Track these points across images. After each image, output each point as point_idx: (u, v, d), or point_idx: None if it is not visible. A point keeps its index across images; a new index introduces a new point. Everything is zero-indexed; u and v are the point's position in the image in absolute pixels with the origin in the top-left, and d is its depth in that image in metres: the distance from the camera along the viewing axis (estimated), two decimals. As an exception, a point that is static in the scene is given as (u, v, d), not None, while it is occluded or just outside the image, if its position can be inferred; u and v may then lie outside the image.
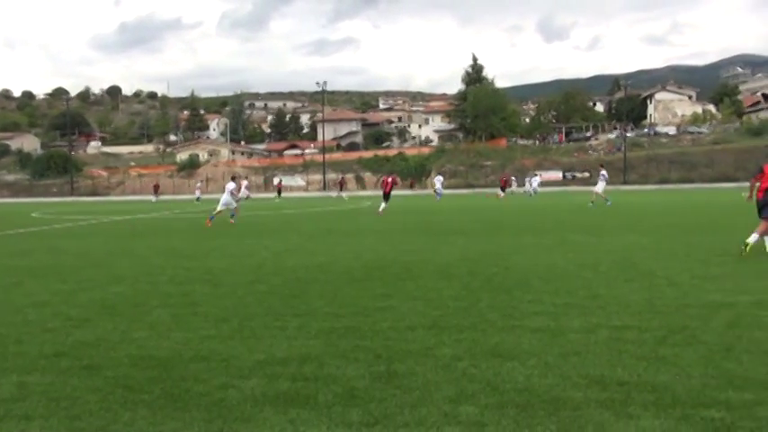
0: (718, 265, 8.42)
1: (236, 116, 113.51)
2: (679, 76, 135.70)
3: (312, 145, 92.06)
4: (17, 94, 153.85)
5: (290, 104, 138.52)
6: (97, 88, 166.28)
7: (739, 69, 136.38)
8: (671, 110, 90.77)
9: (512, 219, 19.70)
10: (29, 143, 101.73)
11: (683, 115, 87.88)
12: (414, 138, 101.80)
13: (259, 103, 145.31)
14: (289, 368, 4.23)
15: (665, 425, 3.15)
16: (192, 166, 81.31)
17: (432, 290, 7.04)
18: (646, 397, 3.53)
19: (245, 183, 20.57)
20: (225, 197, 20.32)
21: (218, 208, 20.38)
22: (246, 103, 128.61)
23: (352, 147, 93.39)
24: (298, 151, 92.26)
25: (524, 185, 48.69)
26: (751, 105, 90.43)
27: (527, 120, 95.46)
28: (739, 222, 15.80)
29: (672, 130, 79.12)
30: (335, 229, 17.01)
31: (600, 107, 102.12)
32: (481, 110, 79.00)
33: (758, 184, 9.77)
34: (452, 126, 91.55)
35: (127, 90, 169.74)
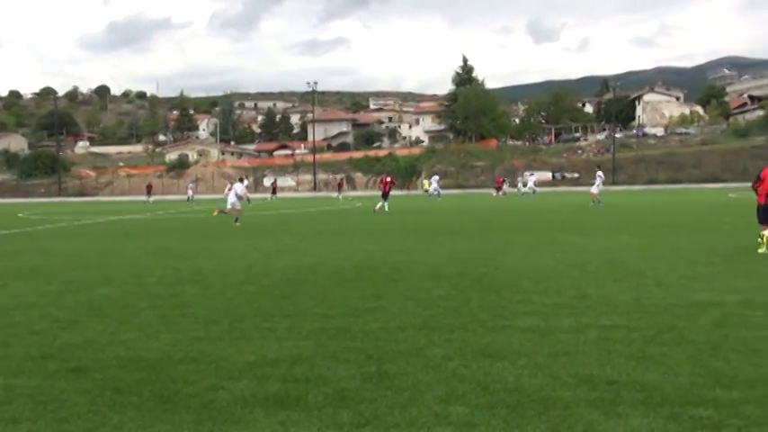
0: (705, 264, 8.50)
1: (226, 116, 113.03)
2: (667, 78, 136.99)
3: (302, 145, 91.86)
4: (4, 93, 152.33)
5: (281, 105, 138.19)
6: (85, 88, 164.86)
7: (726, 71, 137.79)
8: (659, 111, 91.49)
9: (501, 219, 19.76)
10: (16, 143, 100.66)
11: (670, 116, 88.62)
12: (404, 138, 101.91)
13: (249, 104, 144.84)
14: (279, 369, 4.22)
15: (654, 423, 3.17)
16: (181, 166, 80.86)
17: (422, 290, 7.05)
18: (635, 396, 3.55)
19: (239, 185, 20.62)
20: (232, 197, 20.37)
21: (228, 207, 20.41)
22: (236, 104, 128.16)
23: (343, 147, 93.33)
24: (288, 152, 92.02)
25: (516, 186, 48.88)
26: (738, 107, 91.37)
27: (517, 120, 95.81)
28: (726, 223, 15.96)
29: (660, 132, 79.78)
30: (326, 230, 16.99)
31: (589, 108, 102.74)
32: (471, 111, 79.20)
33: (758, 189, 9.98)
34: (443, 127, 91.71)
35: (115, 90, 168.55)
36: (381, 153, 79.56)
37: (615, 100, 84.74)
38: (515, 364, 4.18)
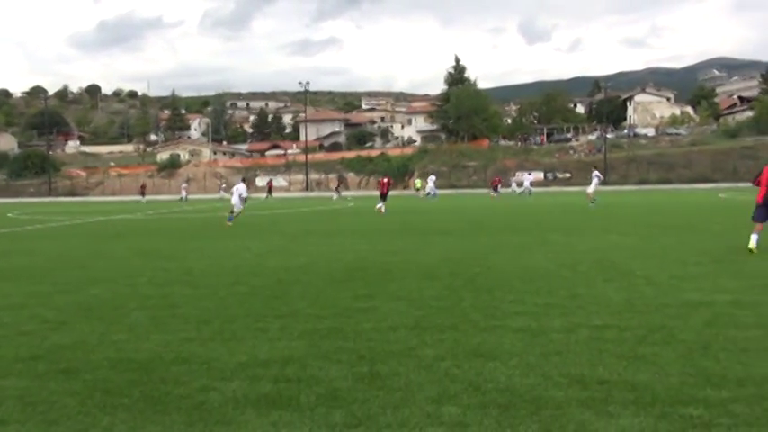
0: (695, 264, 8.55)
1: (218, 116, 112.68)
2: (658, 79, 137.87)
3: (294, 145, 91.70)
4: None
5: (273, 104, 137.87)
6: (76, 87, 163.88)
7: (716, 72, 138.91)
8: (650, 112, 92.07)
9: (493, 219, 19.81)
10: (5, 142, 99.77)
11: (661, 117, 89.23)
12: (396, 138, 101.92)
13: (241, 103, 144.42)
14: (271, 370, 4.20)
15: (645, 423, 3.19)
16: (172, 166, 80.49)
17: (414, 290, 7.05)
18: (626, 395, 3.57)
19: (242, 186, 20.88)
20: (235, 198, 20.40)
21: (235, 211, 20.43)
22: (228, 103, 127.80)
23: (335, 147, 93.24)
24: (280, 151, 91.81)
25: (510, 186, 49.03)
26: (727, 108, 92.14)
27: (509, 121, 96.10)
28: (716, 223, 16.08)
29: (651, 132, 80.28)
30: (317, 230, 16.96)
31: (580, 109, 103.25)
32: (463, 111, 79.37)
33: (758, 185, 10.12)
34: (435, 127, 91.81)
35: (106, 89, 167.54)
36: (374, 153, 79.54)
37: (606, 100, 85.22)
38: (507, 364, 4.19)
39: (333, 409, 3.47)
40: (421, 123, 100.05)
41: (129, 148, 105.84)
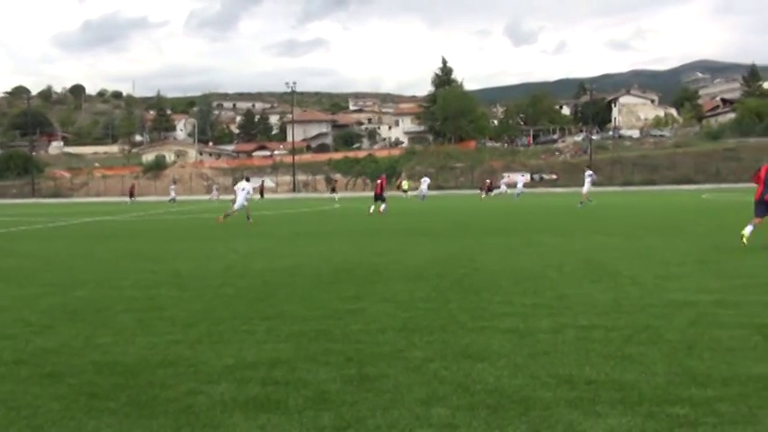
0: (679, 265, 8.65)
1: (204, 117, 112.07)
2: (642, 81, 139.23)
3: (281, 146, 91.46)
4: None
5: (259, 105, 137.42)
6: (60, 87, 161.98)
7: (699, 75, 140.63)
8: (634, 113, 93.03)
9: (480, 220, 19.89)
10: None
11: (645, 119, 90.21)
12: (384, 139, 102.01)
13: (227, 104, 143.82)
14: (258, 372, 4.18)
15: (632, 422, 3.21)
16: (158, 167, 79.92)
17: (401, 292, 7.05)
18: (613, 395, 3.60)
19: (248, 185, 21.28)
20: (240, 197, 20.49)
21: (239, 210, 20.62)
22: (214, 104, 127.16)
23: (322, 148, 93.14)
24: (267, 152, 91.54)
25: (499, 188, 49.31)
26: (710, 110, 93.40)
27: (495, 122, 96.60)
28: (700, 224, 16.27)
29: (635, 134, 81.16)
30: (304, 232, 16.92)
31: (566, 110, 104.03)
32: (450, 112, 79.70)
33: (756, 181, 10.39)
34: (422, 128, 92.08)
35: (91, 89, 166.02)
36: (361, 154, 79.60)
37: (592, 102, 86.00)
38: (495, 365, 4.20)
39: (321, 412, 3.45)
40: (408, 125, 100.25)
41: (113, 148, 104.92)
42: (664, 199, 34.21)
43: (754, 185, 10.84)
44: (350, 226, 18.61)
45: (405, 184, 48.65)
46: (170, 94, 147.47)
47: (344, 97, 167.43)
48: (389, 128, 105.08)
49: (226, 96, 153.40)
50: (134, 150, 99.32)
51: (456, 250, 11.12)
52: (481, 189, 47.30)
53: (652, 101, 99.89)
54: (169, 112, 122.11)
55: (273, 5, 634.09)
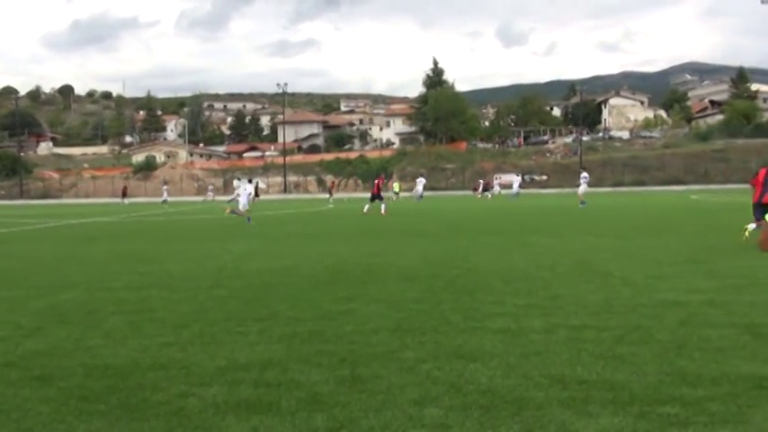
0: (669, 265, 8.71)
1: (195, 117, 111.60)
2: (632, 83, 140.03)
3: (272, 147, 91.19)
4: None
5: (250, 106, 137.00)
6: (48, 87, 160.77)
7: (688, 76, 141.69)
8: (624, 115, 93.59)
9: (472, 221, 19.93)
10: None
11: (635, 120, 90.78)
12: (375, 140, 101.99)
13: (218, 105, 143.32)
14: (251, 374, 4.16)
15: (624, 422, 3.23)
16: (148, 168, 79.47)
17: (394, 292, 7.05)
18: (605, 395, 3.61)
19: (249, 186, 21.66)
20: (244, 198, 20.55)
21: (242, 211, 20.78)
22: (205, 104, 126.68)
23: (314, 149, 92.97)
24: (258, 153, 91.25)
25: (493, 188, 49.48)
26: (699, 111, 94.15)
27: (486, 123, 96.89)
28: (689, 224, 16.39)
29: (625, 135, 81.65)
30: (297, 232, 16.88)
31: (557, 111, 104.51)
32: (442, 113, 79.84)
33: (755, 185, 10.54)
34: (413, 129, 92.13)
35: (80, 89, 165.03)
36: (352, 155, 79.56)
37: (582, 104, 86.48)
38: (488, 366, 4.21)
39: (314, 413, 3.45)
40: (399, 125, 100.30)
41: (103, 149, 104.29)
42: (654, 200, 34.44)
43: (744, 186, 11.01)
44: (343, 226, 18.59)
45: (395, 186, 48.65)
46: (160, 95, 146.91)
47: (336, 98, 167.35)
48: (381, 129, 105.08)
49: (217, 97, 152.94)
50: (124, 151, 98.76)
51: (448, 251, 11.14)
52: (475, 190, 47.49)
53: (642, 102, 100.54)
54: (159, 112, 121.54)
55: (265, 6, 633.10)
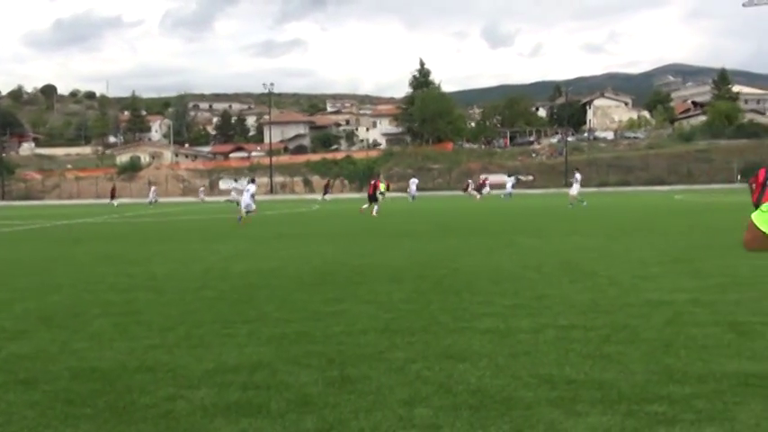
0: (655, 264, 8.80)
1: (180, 118, 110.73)
2: (616, 84, 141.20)
3: (258, 147, 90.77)
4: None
5: (236, 106, 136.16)
6: (30, 87, 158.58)
7: (671, 78, 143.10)
8: (609, 116, 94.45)
9: (459, 221, 19.99)
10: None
11: (620, 121, 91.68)
12: (362, 141, 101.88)
13: (203, 105, 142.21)
14: (239, 376, 4.14)
15: (612, 421, 3.25)
16: (132, 168, 78.71)
17: (383, 293, 7.05)
18: (593, 394, 3.64)
19: (252, 186, 21.75)
20: (246, 198, 20.67)
21: (242, 211, 20.75)
22: (190, 105, 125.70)
23: (300, 150, 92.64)
24: (244, 154, 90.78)
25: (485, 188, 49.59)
26: (682, 112, 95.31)
27: (473, 124, 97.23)
28: (674, 224, 16.58)
29: (610, 135, 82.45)
30: (284, 233, 16.82)
31: (542, 112, 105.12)
32: (428, 114, 80.00)
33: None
34: (400, 129, 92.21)
35: (63, 89, 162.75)
36: (339, 156, 79.43)
37: (567, 104, 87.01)
38: (477, 366, 4.22)
39: (304, 415, 3.43)
40: (386, 126, 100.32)
41: (86, 150, 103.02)
42: (638, 200, 34.78)
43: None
44: (331, 227, 18.55)
45: (381, 186, 48.70)
46: (145, 95, 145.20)
47: (322, 98, 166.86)
48: (367, 129, 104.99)
49: (202, 97, 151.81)
50: (108, 152, 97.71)
51: (436, 251, 11.16)
52: (465, 190, 47.75)
53: (626, 103, 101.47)
54: (144, 112, 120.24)
55: (250, 5, 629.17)
